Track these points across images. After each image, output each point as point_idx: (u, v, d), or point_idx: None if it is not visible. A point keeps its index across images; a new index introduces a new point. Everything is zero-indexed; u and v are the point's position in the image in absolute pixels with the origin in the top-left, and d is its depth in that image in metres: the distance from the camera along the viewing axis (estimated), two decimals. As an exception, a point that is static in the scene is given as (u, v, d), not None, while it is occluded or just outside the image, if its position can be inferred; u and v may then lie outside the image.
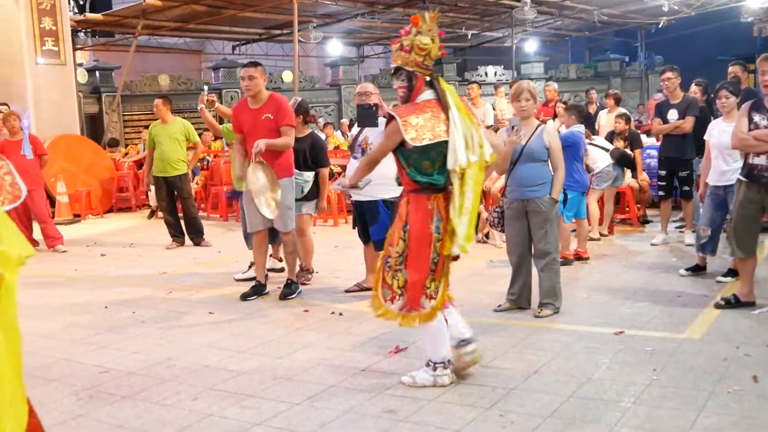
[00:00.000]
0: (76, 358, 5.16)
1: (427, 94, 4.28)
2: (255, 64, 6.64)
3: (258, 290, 6.77)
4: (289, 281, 6.78)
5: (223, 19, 16.29)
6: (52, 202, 12.18)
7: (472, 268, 7.65)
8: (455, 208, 4.14)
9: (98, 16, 16.23)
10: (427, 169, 4.21)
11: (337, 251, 8.84)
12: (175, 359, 5.05)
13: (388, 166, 6.18)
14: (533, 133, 5.74)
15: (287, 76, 18.28)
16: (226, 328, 5.80)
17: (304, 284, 7.17)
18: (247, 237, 7.54)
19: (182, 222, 9.78)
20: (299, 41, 14.58)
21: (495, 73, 21.09)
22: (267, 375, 4.66)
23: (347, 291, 6.76)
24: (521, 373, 4.50)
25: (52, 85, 13.87)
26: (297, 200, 7.07)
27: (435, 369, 4.35)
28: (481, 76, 20.75)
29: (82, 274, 8.23)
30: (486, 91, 17.94)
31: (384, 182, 6.21)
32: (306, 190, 7.11)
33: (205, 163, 13.46)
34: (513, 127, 5.72)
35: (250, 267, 7.49)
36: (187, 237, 9.73)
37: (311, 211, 7.33)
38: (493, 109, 13.19)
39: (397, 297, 4.32)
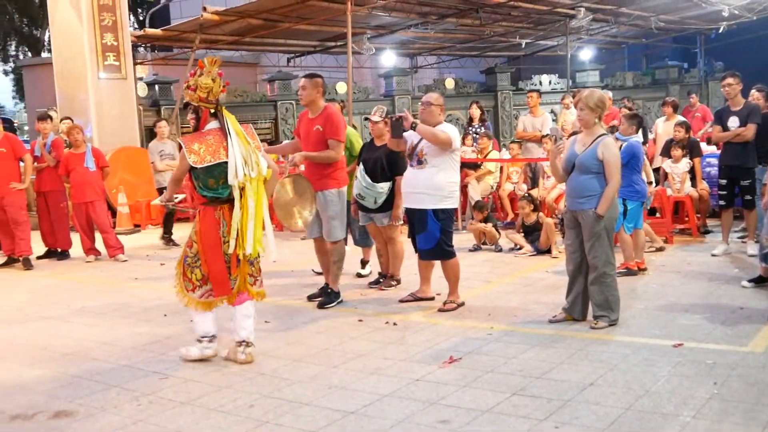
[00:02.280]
0: (136, 365, 5.28)
1: (213, 124, 5.19)
2: (311, 76, 6.79)
3: (326, 291, 6.94)
4: (329, 290, 6.84)
5: (278, 32, 16.48)
6: (114, 212, 12.47)
7: (528, 278, 7.61)
8: (238, 216, 5.04)
9: (157, 31, 16.56)
10: (212, 185, 5.11)
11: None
12: (232, 367, 5.12)
13: (441, 177, 6.25)
14: (590, 144, 5.67)
15: (341, 87, 18.41)
16: (281, 337, 5.87)
17: (382, 290, 7.34)
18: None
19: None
20: (353, 52, 14.68)
21: (549, 82, 20.87)
22: (321, 384, 4.70)
23: (401, 301, 6.77)
24: (577, 384, 4.45)
25: (113, 99, 14.23)
26: (372, 211, 7.14)
27: (201, 342, 5.28)
28: (536, 84, 20.56)
29: (142, 282, 8.40)
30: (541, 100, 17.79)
31: (435, 193, 6.25)
32: (380, 201, 7.10)
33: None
34: (554, 137, 5.74)
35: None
36: None
37: (389, 220, 7.25)
38: (554, 120, 13.03)
39: (198, 287, 5.23)
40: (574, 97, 10.97)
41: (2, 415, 4.45)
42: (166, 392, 4.68)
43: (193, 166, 5.05)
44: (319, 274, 7.66)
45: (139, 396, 4.64)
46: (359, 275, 8.02)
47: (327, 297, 6.80)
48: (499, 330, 5.71)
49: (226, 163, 5.04)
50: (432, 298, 6.72)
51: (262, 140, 15.00)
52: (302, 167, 6.80)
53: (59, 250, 10.33)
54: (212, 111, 5.22)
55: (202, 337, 5.30)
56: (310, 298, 7.04)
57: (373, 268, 7.98)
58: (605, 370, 4.68)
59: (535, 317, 6.05)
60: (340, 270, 6.94)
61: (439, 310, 6.38)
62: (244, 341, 5.24)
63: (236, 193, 5.05)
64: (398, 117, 6.42)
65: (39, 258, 10.15)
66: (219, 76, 5.20)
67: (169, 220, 11.03)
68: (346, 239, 7.04)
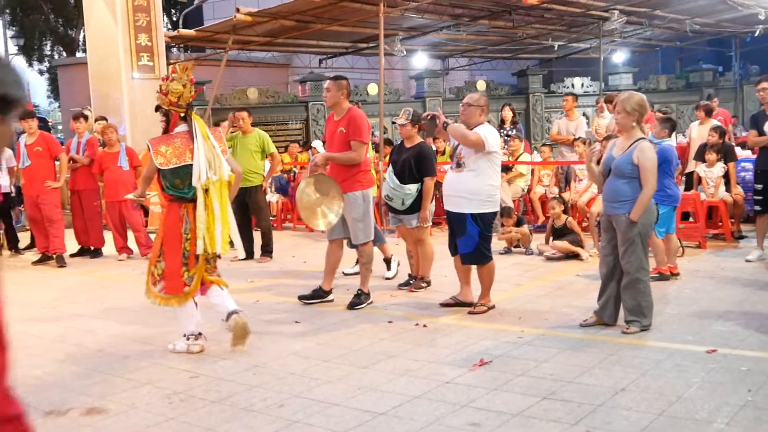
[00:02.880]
0: (168, 363, 5.33)
1: (182, 127, 5.51)
2: (335, 78, 6.86)
3: (317, 294, 6.96)
4: (359, 291, 6.85)
5: (310, 34, 16.52)
6: (146, 211, 12.58)
7: (558, 281, 7.56)
8: (203, 216, 5.33)
9: (191, 32, 16.68)
10: (178, 185, 5.40)
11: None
12: (262, 366, 5.15)
13: (479, 180, 6.22)
14: (627, 149, 5.60)
15: (372, 89, 18.45)
16: (311, 337, 5.88)
17: (412, 291, 7.32)
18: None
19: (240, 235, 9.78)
20: (385, 54, 14.67)
21: (582, 85, 20.74)
22: (352, 384, 4.71)
23: (443, 305, 6.66)
24: (608, 389, 4.41)
25: (147, 99, 14.32)
26: (400, 213, 7.16)
27: (188, 339, 5.53)
28: (568, 87, 20.43)
29: (174, 281, 8.46)
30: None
31: (473, 197, 6.22)
32: (408, 203, 7.10)
33: (291, 174, 13.70)
34: (588, 140, 5.70)
35: (356, 263, 7.87)
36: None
37: (418, 222, 7.23)
38: (588, 124, 12.90)
39: (158, 281, 5.51)
40: (608, 101, 10.89)
41: (36, 410, 4.50)
42: (197, 391, 4.72)
43: (159, 167, 5.37)
44: (348, 275, 7.68)
45: (171, 394, 4.68)
46: (387, 278, 7.99)
47: (357, 298, 6.80)
48: (530, 333, 5.68)
49: (192, 165, 5.34)
50: (473, 304, 6.53)
51: (292, 141, 15.18)
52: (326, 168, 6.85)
53: (92, 248, 10.47)
54: (182, 115, 5.54)
55: (189, 335, 5.56)
56: (302, 298, 7.00)
57: (402, 268, 7.95)
58: (637, 375, 4.64)
59: (566, 321, 6.01)
60: (370, 272, 6.95)
61: (470, 313, 6.35)
62: (230, 313, 5.43)
63: (199, 194, 5.36)
64: (431, 116, 6.49)
65: (72, 256, 10.28)
66: (190, 83, 5.52)
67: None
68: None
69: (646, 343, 5.32)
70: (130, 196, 6.53)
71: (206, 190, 5.36)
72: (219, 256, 5.63)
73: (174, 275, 5.46)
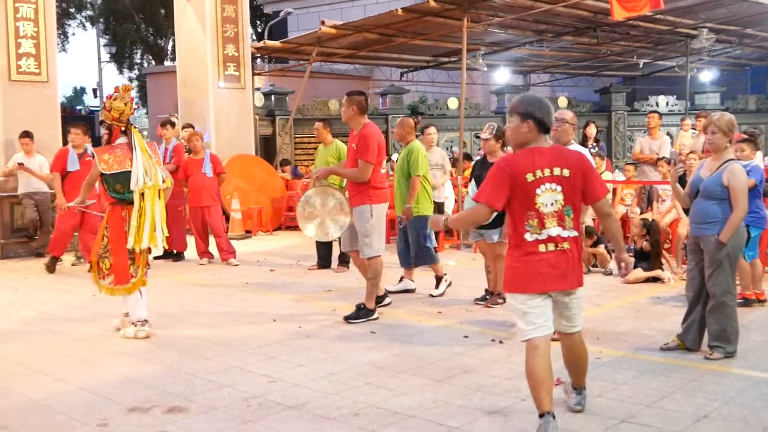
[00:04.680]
0: (246, 367, 5.43)
1: (122, 139, 6.33)
2: (350, 94, 7.12)
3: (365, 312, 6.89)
4: (361, 305, 6.83)
5: (392, 47, 16.67)
6: (227, 217, 12.86)
7: (638, 303, 7.41)
8: (135, 216, 6.16)
9: (276, 43, 17.02)
10: (119, 189, 6.25)
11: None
12: (338, 374, 5.20)
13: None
14: (716, 170, 5.48)
15: (452, 103, 18.47)
16: (386, 347, 5.91)
17: (488, 307, 7.27)
18: (400, 255, 8.27)
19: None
20: (466, 68, 14.67)
21: (667, 104, 20.31)
22: (427, 397, 4.71)
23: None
24: (690, 416, 4.31)
25: (231, 108, 14.72)
26: (482, 227, 7.11)
27: (135, 326, 6.28)
28: (652, 105, 20.03)
29: (253, 287, 8.63)
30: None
31: None
32: (490, 218, 7.04)
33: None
34: (672, 160, 5.59)
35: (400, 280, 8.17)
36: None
37: (499, 237, 7.12)
38: (672, 144, 12.62)
39: (106, 275, 6.33)
40: (698, 118, 10.61)
41: (120, 406, 4.66)
42: (275, 395, 4.80)
43: (102, 172, 6.18)
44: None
45: (249, 397, 4.77)
46: (431, 296, 7.86)
47: (356, 312, 6.80)
48: (608, 355, 5.58)
49: (131, 172, 6.14)
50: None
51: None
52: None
53: (175, 251, 10.74)
54: (123, 129, 6.34)
55: (137, 321, 6.30)
56: (346, 320, 6.81)
57: (481, 284, 7.88)
58: (720, 402, 4.51)
59: (646, 344, 5.88)
60: (375, 288, 6.93)
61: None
62: (144, 320, 6.31)
63: (136, 197, 6.17)
64: (504, 130, 6.77)
65: (156, 258, 10.53)
66: (131, 101, 6.34)
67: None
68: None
69: (731, 371, 5.17)
70: (72, 203, 7.19)
71: (142, 194, 6.16)
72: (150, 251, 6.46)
73: (121, 269, 6.26)
